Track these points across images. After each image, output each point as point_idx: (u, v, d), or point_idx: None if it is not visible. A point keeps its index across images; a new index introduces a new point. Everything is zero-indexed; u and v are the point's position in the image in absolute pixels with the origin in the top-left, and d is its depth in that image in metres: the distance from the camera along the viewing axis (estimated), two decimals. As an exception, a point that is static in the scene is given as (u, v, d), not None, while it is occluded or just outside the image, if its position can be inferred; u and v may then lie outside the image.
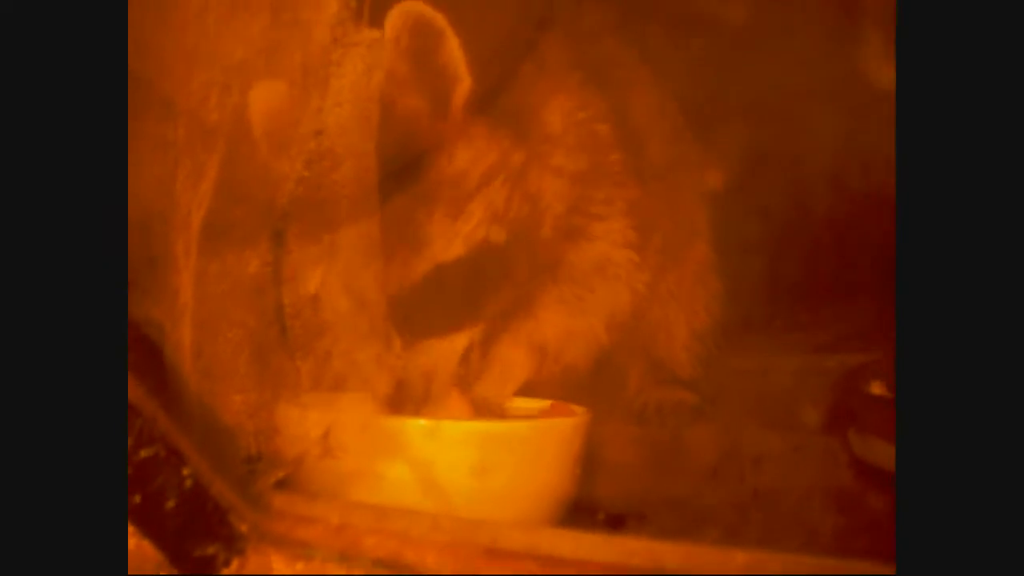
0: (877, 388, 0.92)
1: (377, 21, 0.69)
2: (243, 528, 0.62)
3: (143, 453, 0.58)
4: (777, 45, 1.10)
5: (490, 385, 0.93)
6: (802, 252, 1.25)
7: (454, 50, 0.82)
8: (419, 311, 0.88)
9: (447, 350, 0.90)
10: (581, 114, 0.95)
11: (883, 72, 0.95)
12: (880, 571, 0.49)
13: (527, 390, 0.98)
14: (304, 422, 0.73)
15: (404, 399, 0.86)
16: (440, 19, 0.80)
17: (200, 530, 0.60)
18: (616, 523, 0.93)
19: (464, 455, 0.78)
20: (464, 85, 0.84)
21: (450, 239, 0.88)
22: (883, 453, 0.85)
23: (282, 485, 0.69)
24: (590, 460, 0.89)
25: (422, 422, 0.80)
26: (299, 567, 0.60)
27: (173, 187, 0.72)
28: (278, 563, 0.61)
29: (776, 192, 1.17)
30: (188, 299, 0.71)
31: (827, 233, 1.25)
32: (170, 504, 0.59)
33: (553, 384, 1.00)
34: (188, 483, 0.60)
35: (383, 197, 0.77)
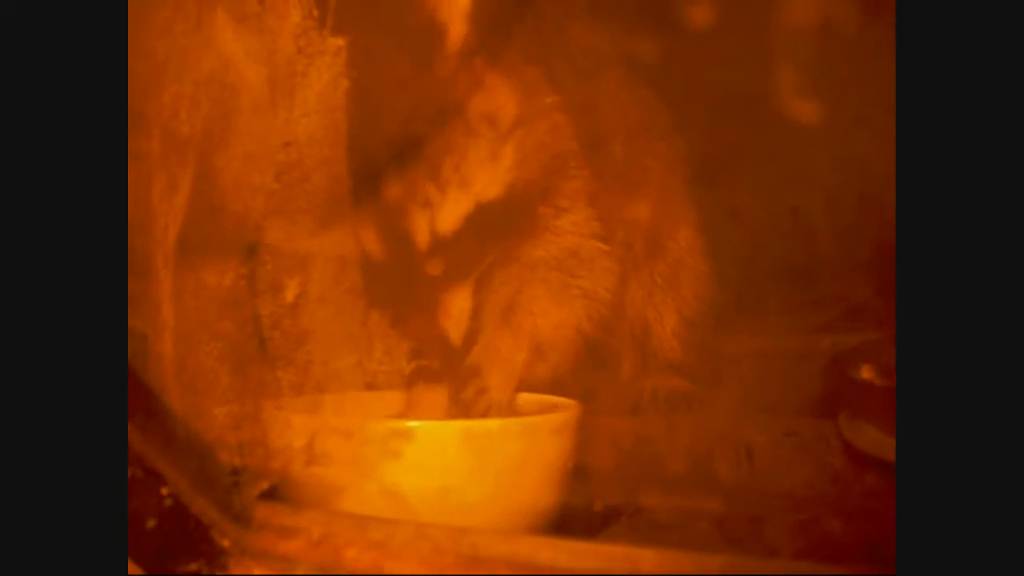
0: (867, 372, 0.91)
1: (340, 30, 0.68)
2: (225, 544, 0.62)
3: (121, 475, 0.58)
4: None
5: (493, 383, 0.92)
6: (795, 232, 1.24)
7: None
8: (453, 255, 0.90)
9: (461, 306, 0.92)
10: (542, 103, 0.95)
11: (801, 108, 0.94)
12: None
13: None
14: (288, 431, 0.73)
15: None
16: None
17: (182, 548, 0.61)
18: (612, 515, 0.93)
19: (451, 456, 0.78)
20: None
21: (491, 180, 0.90)
22: (873, 439, 0.85)
23: (269, 495, 0.70)
24: (584, 451, 0.89)
25: (408, 424, 0.80)
26: (281, 580, 0.61)
27: (149, 200, 0.72)
28: (260, 577, 0.61)
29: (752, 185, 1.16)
30: (169, 312, 0.71)
31: (821, 213, 1.24)
32: (150, 524, 0.59)
33: (546, 377, 0.99)
34: (168, 502, 0.60)
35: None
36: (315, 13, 0.67)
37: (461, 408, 0.89)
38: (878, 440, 0.84)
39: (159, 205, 0.72)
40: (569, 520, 0.86)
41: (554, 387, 0.96)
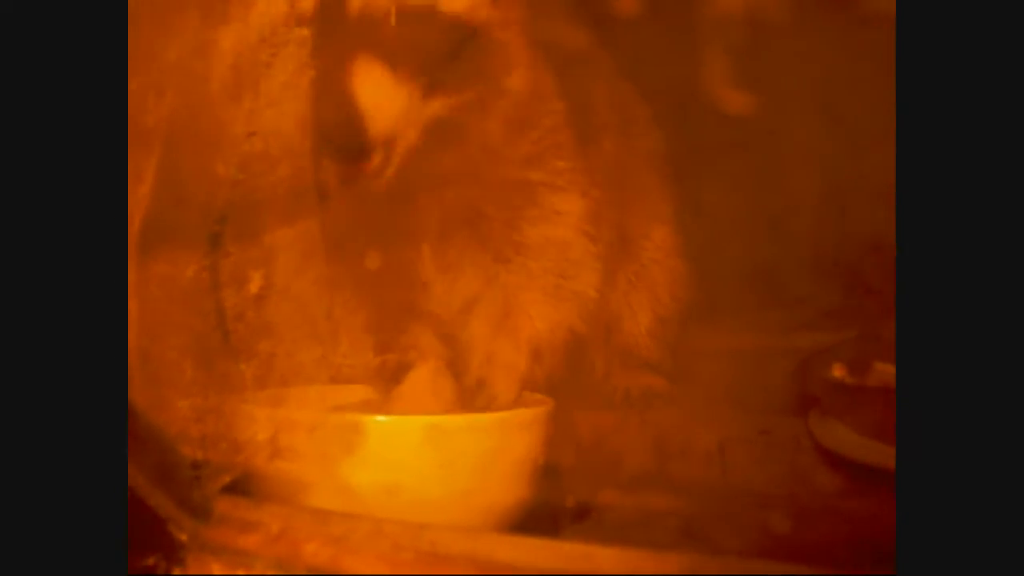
0: (839, 371, 0.91)
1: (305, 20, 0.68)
2: (183, 538, 0.62)
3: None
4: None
5: (495, 390, 0.91)
6: (766, 232, 1.24)
7: None
8: None
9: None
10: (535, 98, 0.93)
11: (729, 97, 0.94)
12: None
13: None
14: (252, 424, 0.73)
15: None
16: None
17: (139, 541, 0.60)
18: (583, 512, 0.92)
19: (415, 451, 0.77)
20: None
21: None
22: (842, 438, 0.85)
23: (232, 489, 0.69)
24: (555, 448, 0.88)
25: (374, 418, 0.79)
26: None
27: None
28: (218, 572, 0.60)
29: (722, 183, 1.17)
30: (134, 304, 0.70)
31: (801, 212, 1.24)
32: (106, 516, 0.59)
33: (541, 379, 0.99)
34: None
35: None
36: (280, 2, 0.67)
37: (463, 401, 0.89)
38: (847, 438, 0.84)
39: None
40: (537, 517, 0.86)
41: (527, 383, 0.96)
